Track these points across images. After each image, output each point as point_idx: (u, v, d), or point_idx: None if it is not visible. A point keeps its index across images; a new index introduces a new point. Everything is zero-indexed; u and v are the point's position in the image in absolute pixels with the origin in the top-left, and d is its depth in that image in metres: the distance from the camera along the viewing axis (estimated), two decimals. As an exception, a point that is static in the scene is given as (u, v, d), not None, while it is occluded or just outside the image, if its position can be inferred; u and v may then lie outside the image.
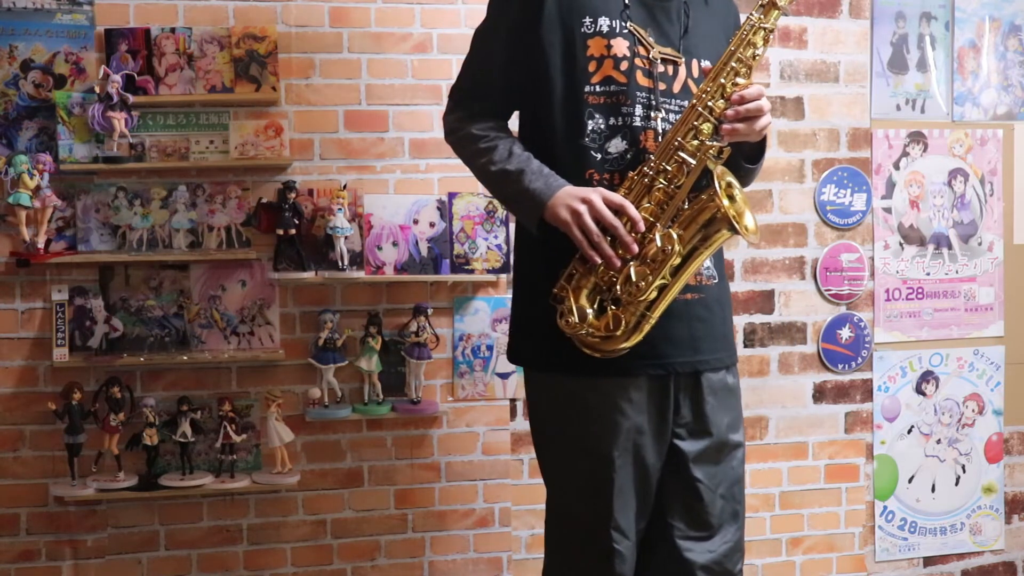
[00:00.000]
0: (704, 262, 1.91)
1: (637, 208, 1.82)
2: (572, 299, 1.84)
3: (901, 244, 3.17)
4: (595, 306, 1.85)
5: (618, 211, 1.81)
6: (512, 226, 2.86)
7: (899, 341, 3.18)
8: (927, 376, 3.21)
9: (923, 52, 3.16)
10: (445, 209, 2.82)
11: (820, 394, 3.13)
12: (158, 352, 2.74)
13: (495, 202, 2.82)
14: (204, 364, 2.75)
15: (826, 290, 3.11)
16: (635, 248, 1.81)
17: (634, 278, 1.81)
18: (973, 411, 3.24)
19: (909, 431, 3.20)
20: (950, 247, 3.21)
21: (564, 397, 1.94)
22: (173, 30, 2.71)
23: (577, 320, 1.82)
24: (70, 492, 2.65)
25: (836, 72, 3.10)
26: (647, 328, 1.83)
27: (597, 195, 1.81)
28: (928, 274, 3.19)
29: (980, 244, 3.23)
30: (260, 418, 2.79)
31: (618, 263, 1.81)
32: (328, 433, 2.85)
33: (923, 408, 3.21)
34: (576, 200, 1.81)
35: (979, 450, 3.25)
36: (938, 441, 3.22)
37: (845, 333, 3.13)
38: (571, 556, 1.99)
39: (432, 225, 2.82)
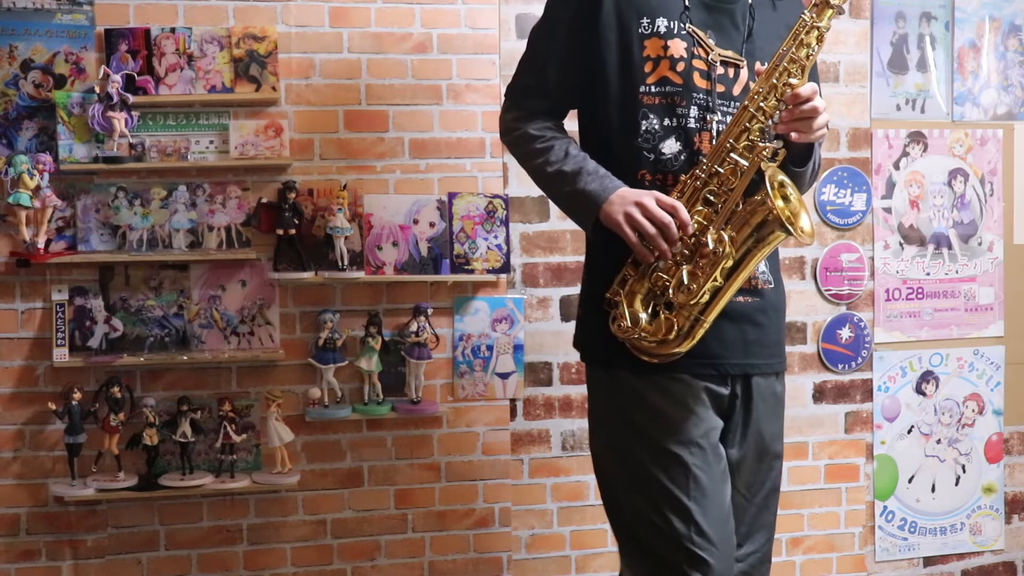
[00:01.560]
0: (758, 265, 1.89)
1: (690, 211, 1.82)
2: (625, 303, 1.84)
3: (901, 244, 3.17)
4: (648, 311, 1.85)
5: (671, 213, 1.81)
6: (512, 227, 2.87)
7: (899, 341, 3.18)
8: (927, 376, 3.21)
9: (923, 52, 3.16)
10: (445, 209, 2.82)
11: (820, 394, 3.13)
12: (158, 352, 2.74)
13: (495, 202, 2.82)
14: (204, 364, 2.75)
15: (826, 290, 3.11)
16: (676, 238, 1.80)
17: (686, 281, 1.81)
18: (973, 411, 3.24)
19: (909, 431, 3.20)
20: (950, 247, 3.21)
21: (630, 394, 1.91)
22: (173, 30, 2.71)
23: (629, 324, 1.83)
24: (70, 492, 2.65)
25: (836, 72, 3.10)
26: (700, 333, 1.83)
27: (650, 198, 1.82)
28: (928, 274, 3.19)
29: (980, 244, 3.23)
30: (260, 418, 2.79)
31: (670, 254, 1.81)
32: (328, 433, 2.84)
33: (923, 408, 3.21)
34: (630, 203, 1.82)
35: (979, 450, 3.25)
36: (938, 441, 3.22)
37: (845, 333, 3.13)
38: (654, 567, 1.90)
39: (432, 225, 2.82)
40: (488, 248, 2.82)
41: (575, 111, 2.05)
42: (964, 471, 3.24)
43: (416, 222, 2.81)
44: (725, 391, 1.92)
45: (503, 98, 2.09)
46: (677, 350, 1.84)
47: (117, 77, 2.62)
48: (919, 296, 3.19)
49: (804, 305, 3.11)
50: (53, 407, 2.64)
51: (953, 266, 3.21)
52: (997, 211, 3.24)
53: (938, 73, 3.18)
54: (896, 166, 3.16)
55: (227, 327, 2.79)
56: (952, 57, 3.19)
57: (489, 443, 2.92)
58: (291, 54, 2.78)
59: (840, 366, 3.13)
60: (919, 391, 3.20)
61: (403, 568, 2.90)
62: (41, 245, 2.63)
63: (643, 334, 1.83)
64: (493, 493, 2.93)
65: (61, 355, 2.68)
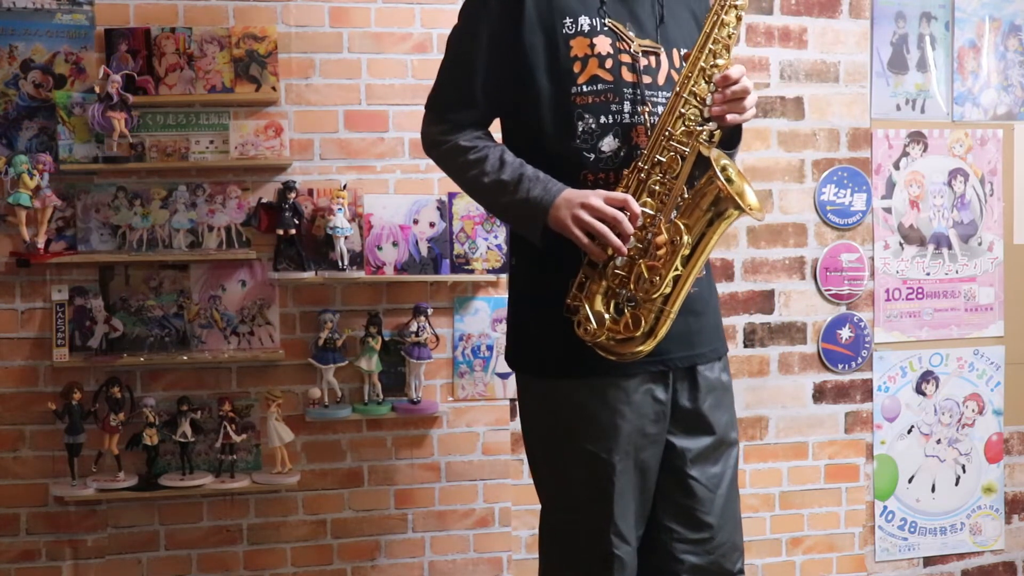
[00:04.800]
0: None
1: (638, 203, 1.81)
2: (587, 306, 1.82)
3: (901, 244, 3.17)
4: (611, 309, 1.83)
5: (620, 208, 1.79)
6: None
7: (899, 341, 3.18)
8: (927, 376, 3.21)
9: (923, 52, 3.16)
10: (445, 209, 2.82)
11: (820, 394, 3.13)
12: (158, 352, 2.74)
13: (495, 202, 2.81)
14: (204, 364, 2.75)
15: (826, 290, 3.11)
16: (630, 231, 1.78)
17: (646, 274, 1.80)
18: (973, 411, 3.24)
19: (909, 431, 3.20)
20: (950, 247, 3.21)
21: (561, 401, 1.92)
22: (173, 30, 2.71)
23: (596, 326, 1.81)
24: (70, 492, 2.65)
25: (836, 72, 3.10)
26: (665, 327, 1.82)
27: (597, 196, 1.80)
28: (928, 274, 3.19)
29: (980, 244, 3.23)
30: (260, 418, 2.79)
31: (625, 250, 1.79)
32: (328, 433, 2.85)
33: (923, 408, 3.21)
34: (576, 205, 1.79)
35: (979, 450, 3.25)
36: (938, 441, 3.22)
37: (845, 333, 3.13)
38: (569, 564, 1.97)
39: (432, 225, 2.82)
40: (488, 248, 2.82)
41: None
42: (964, 471, 3.24)
43: (416, 222, 2.81)
44: (667, 392, 1.92)
45: (425, 110, 2.02)
46: (641, 348, 1.82)
47: (117, 77, 2.62)
48: (919, 296, 3.19)
49: (804, 305, 3.11)
50: (53, 407, 2.64)
51: (953, 266, 3.21)
52: (997, 211, 3.25)
53: (938, 73, 3.18)
54: (896, 166, 3.16)
55: (227, 327, 2.79)
56: (952, 57, 3.19)
57: (489, 443, 2.92)
58: (291, 54, 2.78)
59: (840, 366, 3.13)
60: (919, 391, 3.20)
61: (403, 568, 2.90)
62: (41, 245, 2.63)
63: (610, 334, 1.82)
64: (493, 493, 2.93)
65: (61, 355, 2.68)
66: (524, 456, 2.92)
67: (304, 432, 2.82)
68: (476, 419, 2.91)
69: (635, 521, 1.94)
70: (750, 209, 1.81)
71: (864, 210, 3.12)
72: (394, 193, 2.84)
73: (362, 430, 2.86)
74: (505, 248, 2.81)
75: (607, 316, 1.82)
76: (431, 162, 2.88)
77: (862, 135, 3.13)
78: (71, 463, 2.67)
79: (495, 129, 2.00)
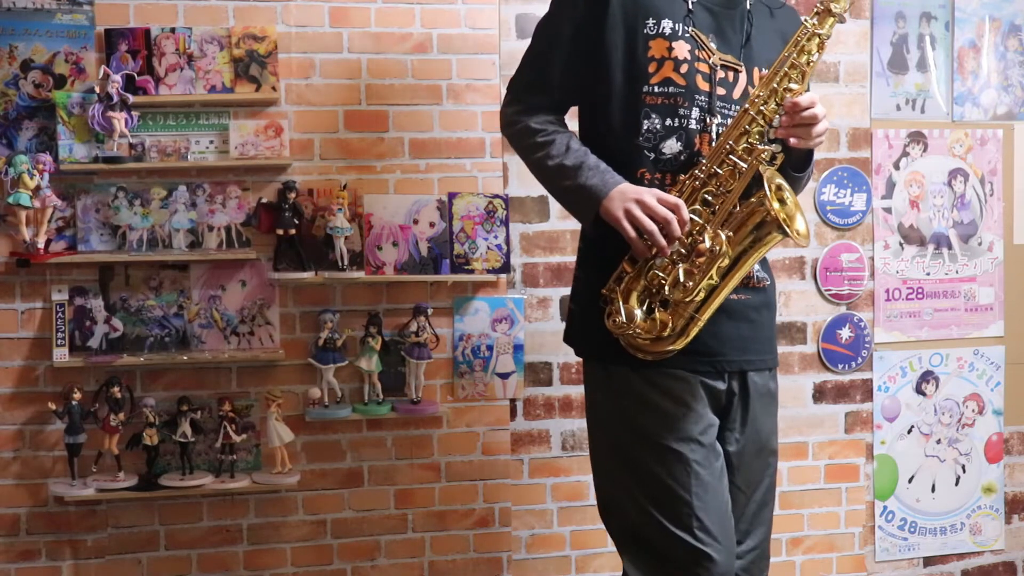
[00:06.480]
0: (755, 265, 1.92)
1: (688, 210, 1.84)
2: (620, 300, 1.85)
3: (901, 244, 3.17)
4: (644, 308, 1.86)
5: (672, 211, 1.82)
6: (512, 227, 2.87)
7: (899, 341, 3.18)
8: (927, 376, 3.21)
9: (923, 52, 3.16)
10: (445, 209, 2.82)
11: (820, 394, 3.13)
12: (158, 352, 2.74)
13: (495, 202, 2.82)
14: (204, 364, 2.75)
15: (826, 290, 3.11)
16: (677, 234, 1.81)
17: (682, 278, 1.82)
18: (973, 411, 3.24)
19: (909, 431, 3.20)
20: (950, 247, 3.21)
21: (623, 390, 1.92)
22: (173, 30, 2.71)
23: (624, 320, 1.84)
24: (70, 492, 2.65)
25: (836, 72, 3.10)
26: (695, 331, 1.84)
27: (651, 195, 1.83)
28: (928, 274, 3.19)
29: (980, 244, 3.23)
30: (260, 418, 2.79)
31: (668, 251, 1.82)
32: (328, 433, 2.84)
33: (923, 408, 3.21)
34: (630, 200, 1.83)
35: (979, 450, 3.25)
36: (938, 441, 3.22)
37: (845, 333, 3.13)
38: (660, 568, 1.91)
39: (432, 225, 2.82)
40: (488, 248, 2.82)
41: (575, 108, 2.06)
42: (964, 471, 3.24)
43: (416, 222, 2.81)
44: (722, 388, 1.94)
45: (505, 91, 2.10)
46: (671, 347, 1.85)
47: (117, 77, 2.62)
48: (919, 296, 3.19)
49: (804, 305, 3.11)
50: (53, 407, 2.64)
51: (953, 266, 3.21)
52: (997, 211, 3.25)
53: (938, 73, 3.18)
54: (896, 166, 3.16)
55: (227, 327, 2.79)
56: (952, 57, 3.19)
57: (489, 443, 2.92)
58: (291, 54, 2.78)
59: (840, 366, 3.13)
60: (919, 391, 3.20)
61: (403, 568, 2.90)
62: (41, 245, 2.63)
63: (637, 331, 1.85)
64: (493, 493, 2.93)
65: (61, 355, 2.68)
66: (524, 456, 2.95)
67: (304, 432, 2.82)
68: (476, 419, 2.91)
69: (720, 515, 1.89)
70: (797, 235, 1.83)
71: (864, 210, 3.12)
72: (394, 193, 2.84)
73: (362, 430, 2.86)
74: (505, 248, 2.82)
75: (638, 313, 1.85)
76: (431, 162, 2.91)
77: (862, 135, 3.13)
78: (71, 463, 2.67)
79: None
